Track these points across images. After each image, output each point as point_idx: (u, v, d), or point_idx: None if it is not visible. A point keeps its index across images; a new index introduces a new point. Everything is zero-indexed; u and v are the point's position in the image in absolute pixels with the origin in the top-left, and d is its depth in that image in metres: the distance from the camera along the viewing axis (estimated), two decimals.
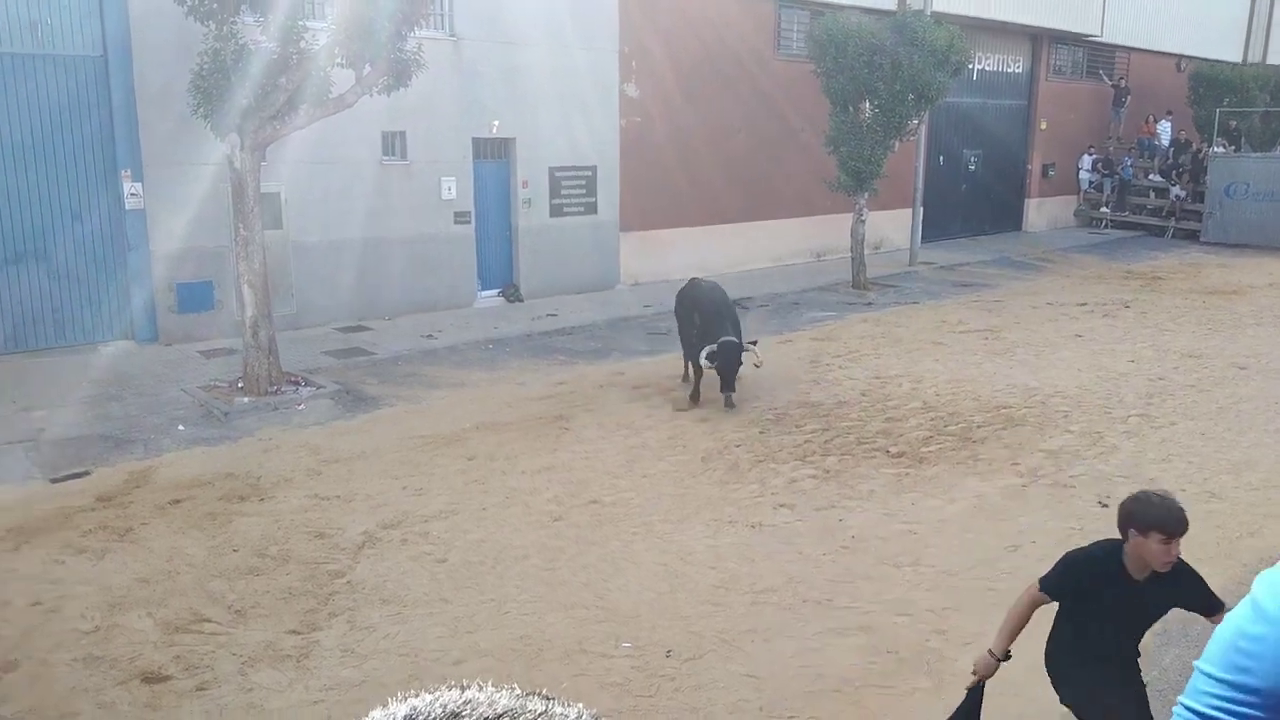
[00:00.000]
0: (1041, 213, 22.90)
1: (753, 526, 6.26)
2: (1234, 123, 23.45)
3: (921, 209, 18.81)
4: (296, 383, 9.40)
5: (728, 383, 8.67)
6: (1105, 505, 6.62)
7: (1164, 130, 23.58)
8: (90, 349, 10.49)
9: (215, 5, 8.25)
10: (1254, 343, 11.59)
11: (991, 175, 21.59)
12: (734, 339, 8.61)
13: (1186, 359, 10.75)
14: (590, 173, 14.12)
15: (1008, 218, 22.35)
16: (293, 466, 7.29)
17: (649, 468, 7.30)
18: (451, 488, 6.87)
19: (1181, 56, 26.11)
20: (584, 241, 14.18)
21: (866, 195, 14.63)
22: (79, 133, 10.33)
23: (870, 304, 14.26)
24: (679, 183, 15.46)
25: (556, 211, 13.85)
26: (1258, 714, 1.07)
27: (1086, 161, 23.54)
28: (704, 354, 8.58)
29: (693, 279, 10.16)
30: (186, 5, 8.34)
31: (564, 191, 13.88)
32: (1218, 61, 26.15)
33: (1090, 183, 23.65)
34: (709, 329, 8.75)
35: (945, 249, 19.36)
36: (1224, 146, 22.58)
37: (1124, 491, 6.92)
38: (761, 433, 8.15)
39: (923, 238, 19.29)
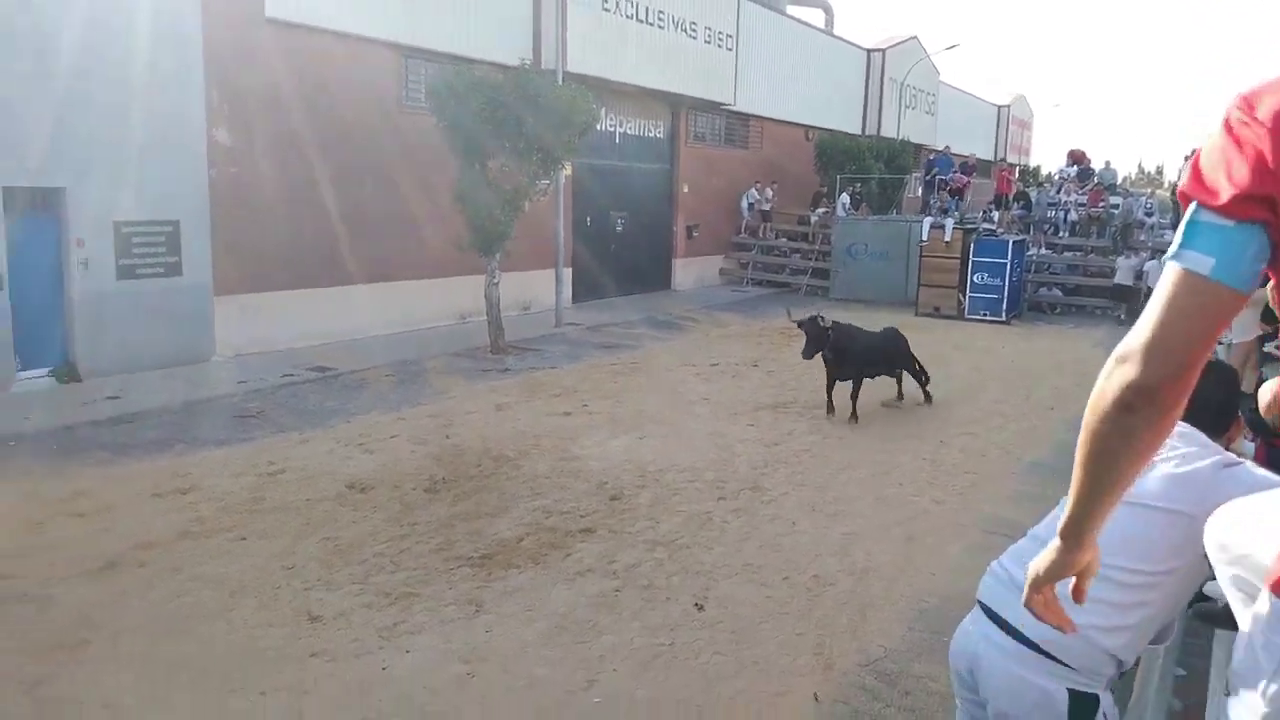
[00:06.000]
0: (688, 272, 23.40)
1: (263, 694, 4.79)
2: (857, 186, 25.44)
3: (569, 269, 18.36)
4: None
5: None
6: (701, 608, 5.85)
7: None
8: None
9: None
10: (870, 399, 11.79)
11: (639, 236, 21.73)
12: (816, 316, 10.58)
13: (807, 418, 10.65)
14: (171, 228, 12.05)
15: (657, 277, 22.59)
16: None
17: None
18: None
19: (809, 127, 28.13)
20: (166, 308, 12.03)
21: (498, 256, 13.72)
22: None
23: (506, 369, 13.28)
24: (291, 241, 13.75)
25: (127, 273, 11.64)
26: None
27: (754, 194, 24.60)
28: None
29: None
30: None
31: (136, 250, 11.71)
32: (839, 132, 28.49)
33: (749, 206, 24.76)
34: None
35: (596, 309, 19.00)
36: (846, 210, 24.34)
37: (725, 590, 6.28)
38: (325, 540, 6.71)
39: (575, 297, 18.88)
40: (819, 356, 10.48)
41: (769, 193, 25.05)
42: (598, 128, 16.31)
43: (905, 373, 11.53)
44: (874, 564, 6.63)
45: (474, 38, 16.03)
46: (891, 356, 11.25)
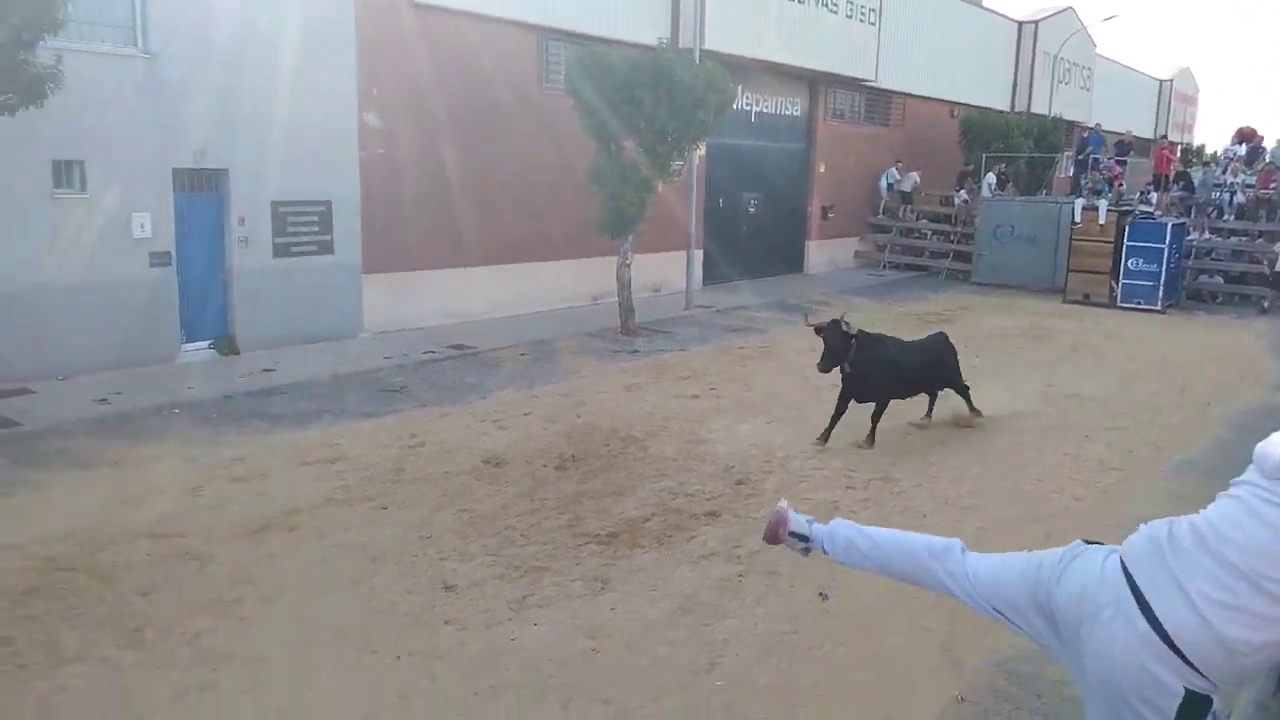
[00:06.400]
0: (822, 254, 22.99)
1: (399, 657, 5.03)
2: (1002, 166, 24.43)
3: (700, 252, 18.32)
4: None
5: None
6: (826, 598, 5.79)
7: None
8: None
9: None
10: (1010, 389, 11.36)
11: (772, 217, 21.46)
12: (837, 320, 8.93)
13: (940, 406, 10.33)
14: (324, 208, 12.64)
15: (790, 259, 22.28)
16: None
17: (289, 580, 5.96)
18: None
19: (954, 103, 27.14)
20: (317, 285, 12.64)
21: (630, 238, 13.83)
22: None
23: (636, 351, 13.40)
24: (435, 221, 14.20)
25: (282, 251, 12.27)
26: None
27: (894, 173, 24.05)
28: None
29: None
30: None
31: (291, 229, 12.33)
32: (987, 109, 27.37)
33: (888, 186, 24.22)
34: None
35: (726, 292, 18.92)
36: (992, 190, 23.41)
37: (851, 580, 6.17)
38: (460, 512, 6.96)
39: (705, 280, 18.84)
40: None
41: (915, 177, 24.25)
42: (733, 106, 16.18)
43: (952, 389, 9.83)
44: None
45: (613, 18, 16.12)
46: (933, 373, 9.55)
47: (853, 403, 9.03)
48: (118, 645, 5.05)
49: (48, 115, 8.99)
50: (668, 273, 17.78)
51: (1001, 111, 28.20)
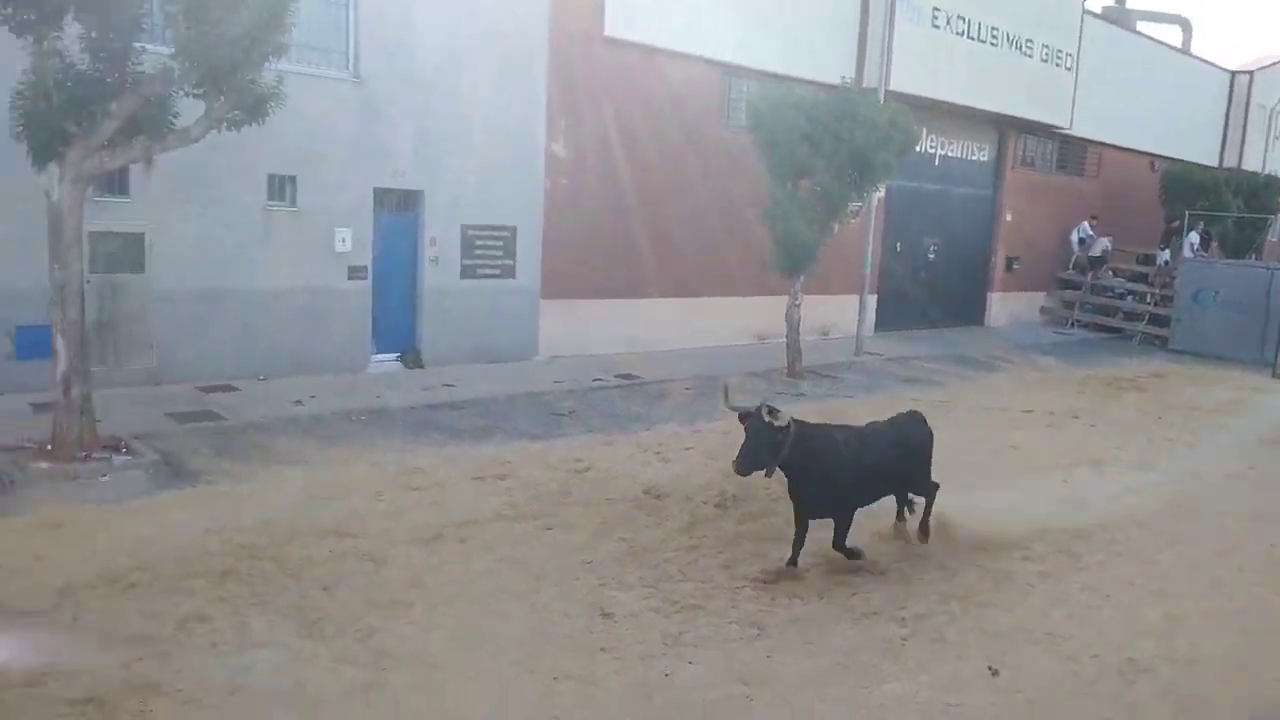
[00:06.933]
0: (1004, 307, 22.08)
1: (556, 678, 5.11)
2: (1202, 224, 22.85)
3: (874, 297, 17.96)
4: (114, 449, 8.24)
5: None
6: (995, 673, 5.50)
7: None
8: None
9: (33, 16, 7.25)
10: (1208, 468, 10.55)
11: (952, 266, 20.81)
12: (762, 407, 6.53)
13: (1132, 480, 9.70)
14: (509, 234, 13.15)
15: (969, 311, 21.51)
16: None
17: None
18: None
19: (1155, 156, 25.66)
20: (499, 307, 13.14)
21: (802, 278, 13.72)
22: None
23: (802, 394, 13.22)
24: (611, 251, 14.51)
25: (469, 273, 12.83)
26: None
27: (1086, 228, 22.98)
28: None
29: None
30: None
31: (478, 252, 12.88)
32: (1191, 163, 25.71)
33: (1080, 241, 23.08)
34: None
35: (899, 340, 18.43)
36: (1194, 251, 21.93)
37: (1023, 657, 5.86)
38: (620, 540, 7.03)
39: (877, 326, 18.46)
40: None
41: (1106, 243, 22.99)
42: (917, 149, 15.87)
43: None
44: (1201, 655, 5.91)
45: (798, 57, 16.10)
46: (903, 468, 7.18)
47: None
48: (299, 635, 5.36)
49: (266, 132, 9.52)
50: (838, 316, 17.49)
51: (1207, 167, 26.42)
